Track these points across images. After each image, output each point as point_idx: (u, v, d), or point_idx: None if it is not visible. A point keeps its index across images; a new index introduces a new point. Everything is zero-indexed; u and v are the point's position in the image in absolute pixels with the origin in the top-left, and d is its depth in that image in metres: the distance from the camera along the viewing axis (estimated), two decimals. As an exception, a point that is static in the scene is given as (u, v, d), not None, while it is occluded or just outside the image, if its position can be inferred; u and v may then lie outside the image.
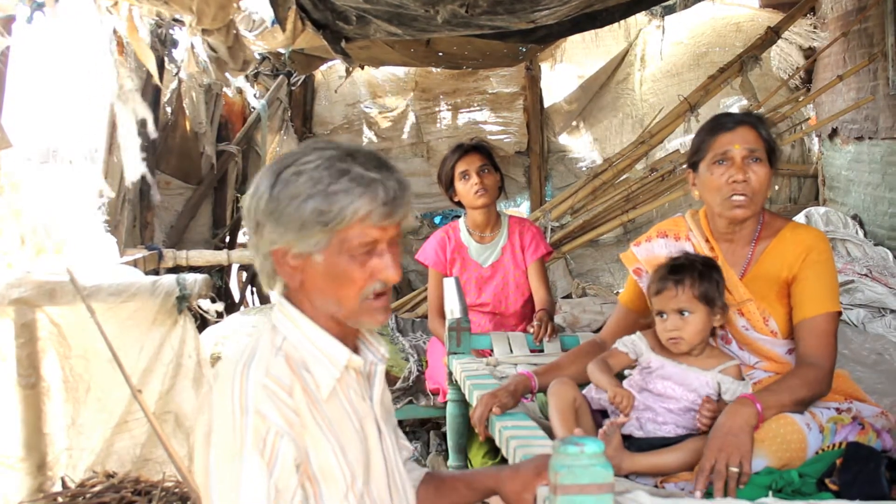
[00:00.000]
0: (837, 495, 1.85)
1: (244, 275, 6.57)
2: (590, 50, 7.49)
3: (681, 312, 2.14)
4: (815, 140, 6.85)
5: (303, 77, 6.84)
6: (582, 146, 7.54)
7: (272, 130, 6.61)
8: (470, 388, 2.63)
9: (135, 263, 4.16)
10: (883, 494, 1.82)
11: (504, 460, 2.26)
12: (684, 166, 3.78)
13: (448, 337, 3.12)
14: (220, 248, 5.98)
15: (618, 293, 4.84)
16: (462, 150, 3.78)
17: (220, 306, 3.42)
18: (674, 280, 2.15)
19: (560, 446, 1.44)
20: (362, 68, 6.65)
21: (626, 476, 2.04)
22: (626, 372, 2.33)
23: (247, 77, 6.26)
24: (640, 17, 6.94)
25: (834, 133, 6.31)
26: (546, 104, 7.40)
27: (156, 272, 4.64)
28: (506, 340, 3.27)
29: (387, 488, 1.60)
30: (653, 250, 2.41)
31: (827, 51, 6.11)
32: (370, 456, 1.59)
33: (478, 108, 7.33)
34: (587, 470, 1.41)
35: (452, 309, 3.22)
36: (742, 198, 2.21)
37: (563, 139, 7.55)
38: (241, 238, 6.51)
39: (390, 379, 4.08)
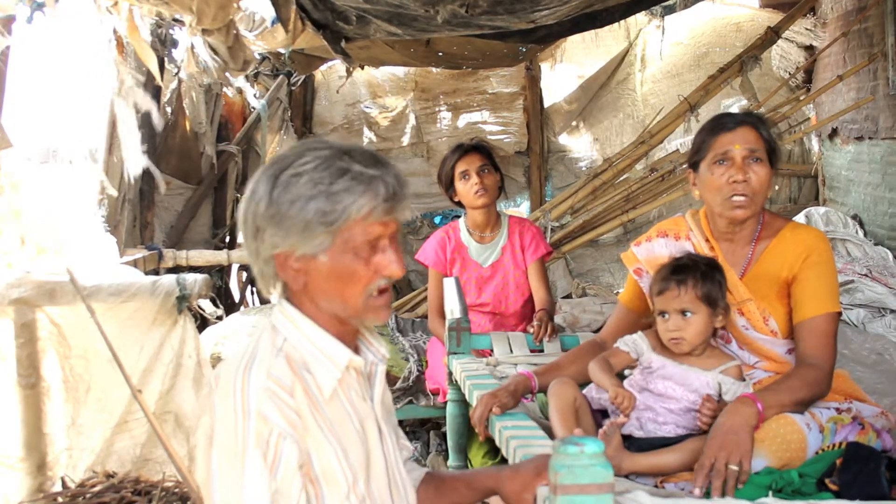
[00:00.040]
0: (837, 495, 1.85)
1: (244, 275, 6.57)
2: (590, 50, 7.48)
3: (683, 313, 2.14)
4: (815, 140, 6.85)
5: (303, 77, 6.83)
6: (582, 146, 7.54)
7: (272, 130, 6.60)
8: (470, 388, 2.63)
9: (135, 263, 4.16)
10: (883, 494, 1.82)
11: (504, 460, 2.26)
12: (684, 166, 3.77)
13: (448, 337, 3.12)
14: (220, 248, 5.98)
15: (618, 293, 4.84)
16: (462, 150, 3.77)
17: (220, 311, 3.42)
18: (676, 280, 2.15)
19: (560, 446, 1.44)
20: (362, 68, 6.64)
21: (626, 476, 2.03)
22: (627, 372, 2.33)
23: (247, 77, 6.26)
24: (640, 17, 6.94)
25: (834, 133, 6.30)
26: (546, 104, 7.40)
27: (156, 272, 4.64)
28: (506, 340, 3.26)
29: (387, 488, 1.60)
30: (653, 250, 2.41)
31: (827, 51, 6.11)
32: (371, 456, 1.58)
33: (478, 108, 7.32)
34: (587, 470, 1.42)
35: (452, 309, 3.22)
36: (742, 198, 2.21)
37: (563, 139, 7.54)
38: (240, 238, 6.48)
39: (390, 379, 4.08)
